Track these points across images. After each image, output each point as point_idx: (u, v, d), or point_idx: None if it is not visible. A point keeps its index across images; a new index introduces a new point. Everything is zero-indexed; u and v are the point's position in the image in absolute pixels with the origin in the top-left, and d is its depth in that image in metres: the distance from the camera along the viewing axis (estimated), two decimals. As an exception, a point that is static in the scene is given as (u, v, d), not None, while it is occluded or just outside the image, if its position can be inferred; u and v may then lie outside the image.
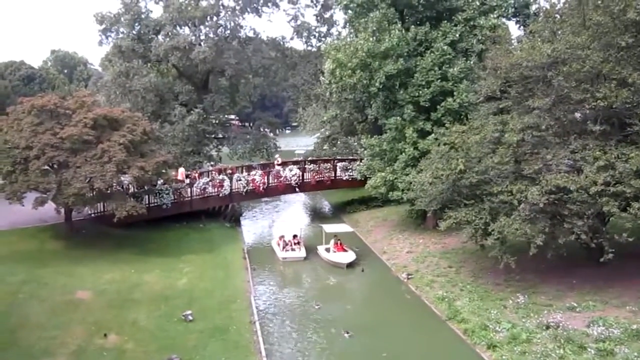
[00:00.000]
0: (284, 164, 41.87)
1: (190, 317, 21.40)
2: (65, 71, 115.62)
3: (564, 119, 21.85)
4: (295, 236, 33.72)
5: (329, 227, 32.81)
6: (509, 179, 22.28)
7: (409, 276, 27.34)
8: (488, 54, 26.50)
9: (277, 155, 44.09)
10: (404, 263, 29.54)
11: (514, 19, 33.92)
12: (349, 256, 30.36)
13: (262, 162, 45.55)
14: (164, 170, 31.55)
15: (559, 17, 24.08)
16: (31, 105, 28.69)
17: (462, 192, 24.23)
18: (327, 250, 31.25)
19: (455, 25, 31.26)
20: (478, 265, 26.65)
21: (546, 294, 22.35)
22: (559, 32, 23.27)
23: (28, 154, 27.06)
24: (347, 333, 21.29)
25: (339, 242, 31.37)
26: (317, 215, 47.19)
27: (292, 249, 32.63)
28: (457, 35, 31.03)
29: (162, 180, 33.21)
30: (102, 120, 28.77)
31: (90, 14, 71.46)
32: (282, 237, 33.71)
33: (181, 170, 37.80)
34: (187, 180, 36.62)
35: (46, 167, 27.76)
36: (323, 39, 52.93)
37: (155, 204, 34.48)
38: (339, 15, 50.90)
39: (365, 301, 26.62)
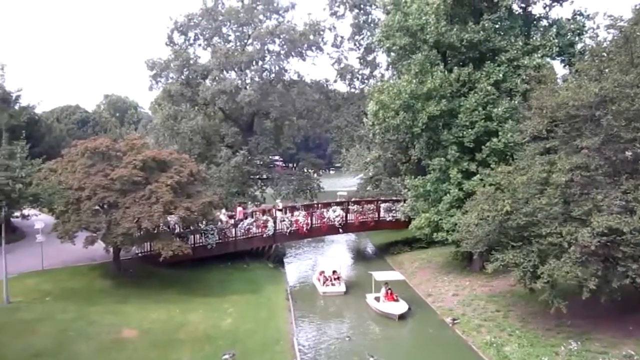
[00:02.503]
0: (326, 205, 42.01)
1: (233, 358, 21.31)
2: (117, 114, 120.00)
3: (614, 158, 21.33)
4: (334, 272, 34.41)
5: (379, 275, 30.95)
6: (557, 220, 21.70)
7: (455, 320, 26.67)
8: (533, 93, 26.25)
9: (277, 200, 44.53)
10: (449, 306, 28.86)
11: (559, 58, 33.45)
12: (401, 307, 28.44)
13: (305, 203, 45.89)
14: (211, 211, 32.08)
15: (605, 55, 23.74)
16: (85, 147, 29.84)
17: (509, 234, 23.66)
18: (377, 299, 29.52)
19: (499, 66, 31.13)
20: (527, 309, 25.81)
21: (601, 341, 21.41)
22: (606, 71, 22.89)
23: (80, 195, 27.97)
24: (372, 357, 22.25)
25: (389, 290, 29.62)
26: (360, 256, 46.85)
27: (332, 284, 33.38)
28: (501, 75, 30.85)
29: (214, 217, 33.75)
30: (150, 162, 29.61)
31: (142, 60, 74.41)
32: (322, 272, 34.62)
33: (239, 209, 39.06)
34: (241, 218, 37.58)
35: (97, 207, 28.59)
36: (366, 81, 53.78)
37: (200, 244, 34.92)
38: (382, 58, 51.59)
39: (409, 345, 25.93)
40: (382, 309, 28.63)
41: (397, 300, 29.16)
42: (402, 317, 27.79)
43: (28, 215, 26.94)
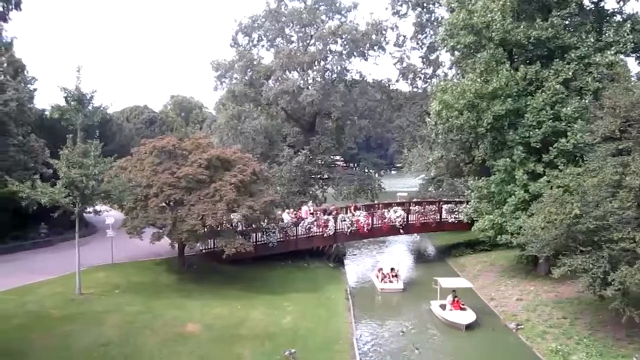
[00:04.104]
0: (387, 206, 41.74)
1: (293, 355, 21.49)
2: (182, 114, 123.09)
3: (693, 160, 20.16)
4: (392, 269, 34.97)
5: (446, 281, 29.81)
6: (631, 225, 20.74)
7: (519, 326, 25.93)
8: (605, 92, 25.21)
9: (309, 203, 44.04)
10: (513, 311, 28.09)
11: (634, 55, 31.88)
12: (468, 316, 27.01)
13: (366, 203, 45.77)
14: (273, 209, 32.57)
15: (685, 52, 22.51)
16: (152, 146, 30.85)
17: (577, 238, 22.76)
18: (442, 307, 28.24)
19: (568, 64, 29.99)
20: (596, 317, 24.78)
21: (677, 354, 20.30)
22: (686, 68, 21.72)
23: (148, 192, 28.94)
24: (417, 349, 23.35)
25: (456, 298, 28.25)
26: (420, 258, 46.38)
27: (390, 281, 34.01)
28: (571, 73, 29.70)
29: (276, 216, 34.41)
30: (215, 161, 30.28)
31: (207, 61, 76.28)
32: (380, 269, 35.64)
33: (305, 208, 39.73)
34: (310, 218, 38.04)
35: (163, 204, 29.51)
36: (429, 80, 52.95)
37: (262, 242, 35.42)
38: (445, 57, 50.72)
39: (471, 349, 25.28)
40: (448, 317, 27.33)
41: (464, 309, 27.86)
42: (469, 327, 26.42)
43: (100, 211, 28.10)
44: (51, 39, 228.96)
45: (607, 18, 32.18)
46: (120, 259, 32.39)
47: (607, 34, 30.66)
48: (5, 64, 39.45)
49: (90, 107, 27.20)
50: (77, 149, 25.59)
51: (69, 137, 26.04)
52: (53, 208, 25.81)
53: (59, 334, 21.66)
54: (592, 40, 30.06)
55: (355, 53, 52.38)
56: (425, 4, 50.50)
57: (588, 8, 32.29)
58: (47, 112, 42.60)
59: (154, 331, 22.84)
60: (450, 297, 28.32)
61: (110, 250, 32.09)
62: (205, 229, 29.39)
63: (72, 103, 26.78)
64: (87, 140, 26.29)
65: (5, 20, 41.12)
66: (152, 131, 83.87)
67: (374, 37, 51.67)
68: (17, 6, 41.15)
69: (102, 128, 34.02)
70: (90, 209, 27.33)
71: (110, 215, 32.37)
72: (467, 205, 36.80)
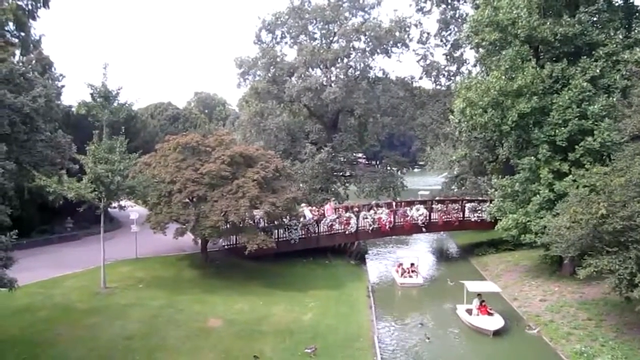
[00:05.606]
0: (410, 204, 41.54)
1: (314, 352, 21.54)
2: (206, 111, 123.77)
3: None
4: (412, 264, 35.55)
5: (472, 285, 28.56)
6: (659, 226, 20.32)
7: (536, 328, 25.76)
8: (634, 90, 24.73)
9: (303, 205, 39.48)
10: (536, 312, 27.77)
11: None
12: (496, 322, 25.89)
13: (388, 201, 45.61)
14: (295, 206, 32.69)
15: None
16: (176, 143, 31.16)
17: (603, 238, 22.39)
18: (469, 312, 27.24)
19: (596, 61, 29.51)
20: (622, 319, 24.39)
21: None
22: None
23: (172, 188, 29.26)
24: (428, 339, 24.68)
25: (483, 302, 27.26)
26: (443, 256, 46.11)
27: (410, 276, 34.60)
28: (598, 70, 29.23)
29: (298, 212, 34.66)
30: (238, 158, 30.46)
31: (231, 59, 76.70)
32: (400, 264, 36.50)
33: (330, 204, 40.02)
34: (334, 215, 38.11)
35: (187, 200, 29.78)
36: (452, 78, 52.53)
37: (284, 239, 35.56)
38: (469, 54, 50.27)
39: (491, 348, 25.03)
40: (475, 323, 26.26)
41: (491, 314, 26.82)
42: (496, 333, 25.24)
43: (124, 206, 28.48)
44: (77, 36, 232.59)
45: (637, 14, 31.62)
46: (144, 253, 32.83)
47: (636, 31, 30.15)
48: (34, 61, 40.16)
49: (115, 104, 27.54)
50: (103, 145, 25.95)
51: (95, 133, 26.45)
52: (79, 203, 26.27)
53: (85, 326, 22.09)
54: (620, 37, 29.61)
55: (378, 50, 52.11)
56: (450, 1, 50.13)
57: (617, 4, 31.77)
58: (73, 109, 43.30)
59: (177, 325, 23.13)
60: (476, 301, 27.41)
61: (135, 245, 32.55)
62: (228, 225, 29.62)
63: (98, 100, 27.14)
64: (112, 137, 26.63)
65: (34, 18, 42.15)
66: (175, 128, 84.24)
67: (397, 34, 51.33)
68: (46, 4, 42.01)
69: (127, 124, 34.34)
70: (115, 204, 27.78)
71: (134, 210, 32.81)
72: (491, 204, 36.44)
